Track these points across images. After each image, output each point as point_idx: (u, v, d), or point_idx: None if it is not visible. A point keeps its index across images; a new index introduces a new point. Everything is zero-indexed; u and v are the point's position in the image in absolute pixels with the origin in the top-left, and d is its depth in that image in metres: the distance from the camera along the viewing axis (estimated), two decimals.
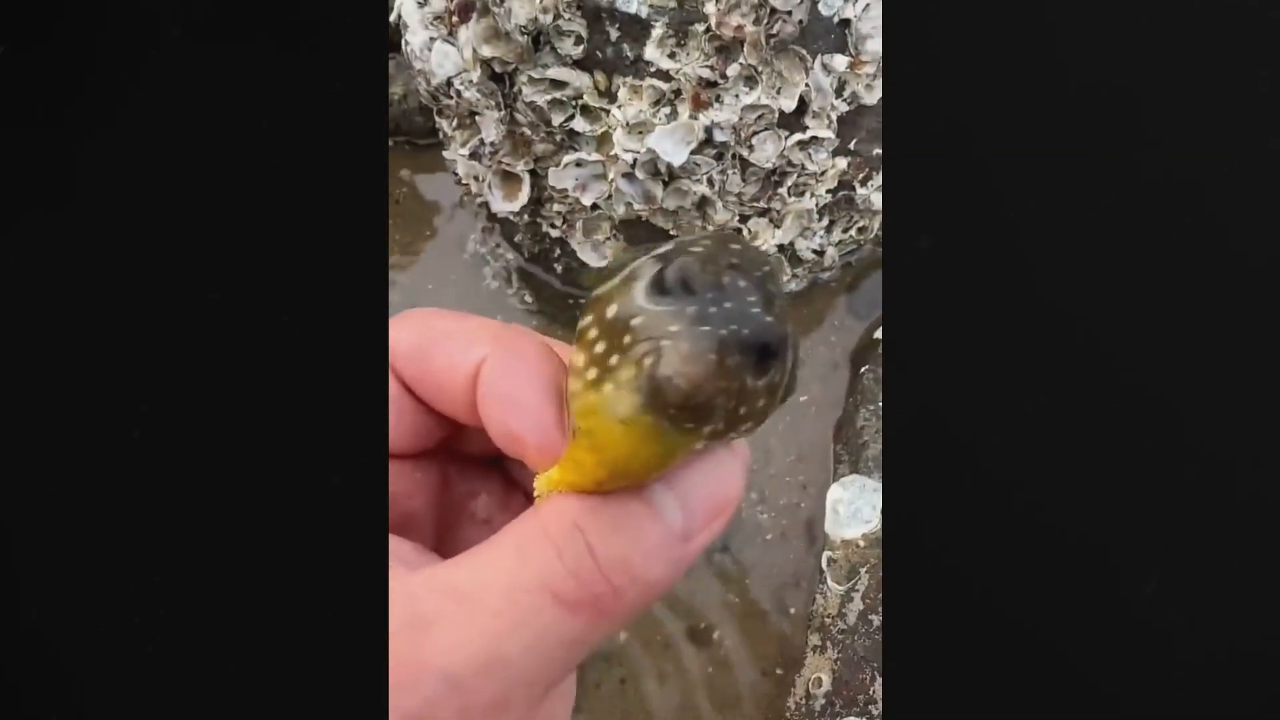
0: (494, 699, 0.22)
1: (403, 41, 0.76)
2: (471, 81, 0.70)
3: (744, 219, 0.75)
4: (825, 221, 0.76)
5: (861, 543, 0.72)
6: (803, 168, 0.71)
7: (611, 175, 0.72)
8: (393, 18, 0.78)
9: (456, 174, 0.80)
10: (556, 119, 0.70)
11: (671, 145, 0.68)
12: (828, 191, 0.73)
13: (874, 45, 0.66)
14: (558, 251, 0.82)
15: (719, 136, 0.68)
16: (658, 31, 0.65)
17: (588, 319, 0.25)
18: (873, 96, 0.68)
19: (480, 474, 0.30)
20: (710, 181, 0.71)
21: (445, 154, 0.79)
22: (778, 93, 0.66)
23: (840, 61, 0.66)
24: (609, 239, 0.79)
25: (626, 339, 0.23)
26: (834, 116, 0.69)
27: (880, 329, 0.83)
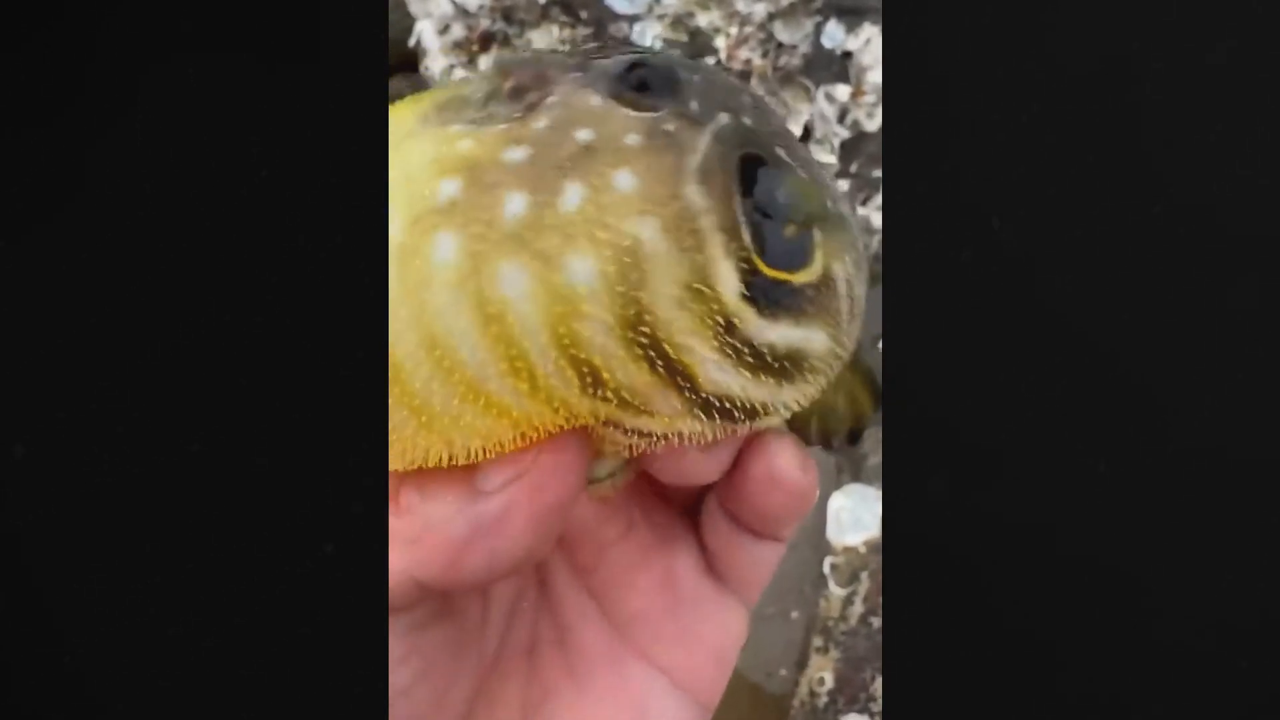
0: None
1: (421, 66, 0.79)
2: None
3: None
4: None
5: (862, 548, 0.75)
6: None
7: None
8: (411, 42, 0.81)
9: None
10: None
11: None
12: None
13: (874, 76, 0.69)
14: None
15: None
16: None
17: None
18: (873, 123, 0.72)
19: None
20: None
21: None
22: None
23: (842, 91, 0.69)
24: None
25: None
26: (836, 143, 0.72)
27: (880, 342, 0.86)
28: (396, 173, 0.21)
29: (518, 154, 0.20)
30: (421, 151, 0.20)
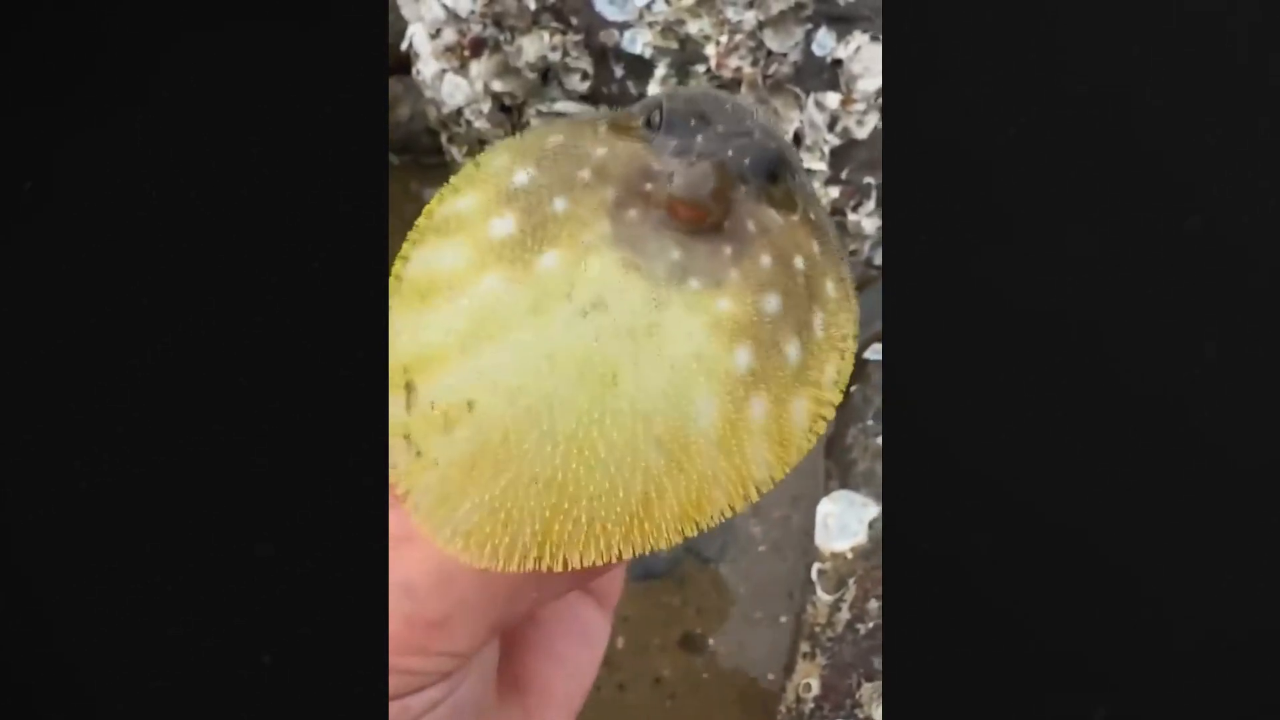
0: (438, 615, 0.24)
1: (414, 70, 0.79)
2: (481, 112, 0.74)
3: None
4: None
5: (849, 555, 0.75)
6: None
7: None
8: (404, 46, 0.81)
9: None
10: None
11: None
12: None
13: (864, 84, 0.70)
14: None
15: None
16: (660, 71, 0.68)
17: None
18: (863, 131, 0.72)
19: None
20: None
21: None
22: None
23: (832, 99, 0.70)
24: None
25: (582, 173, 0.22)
26: (826, 150, 0.72)
27: (870, 348, 0.86)
28: (679, 351, 0.21)
29: (773, 304, 0.22)
30: (690, 324, 0.21)
